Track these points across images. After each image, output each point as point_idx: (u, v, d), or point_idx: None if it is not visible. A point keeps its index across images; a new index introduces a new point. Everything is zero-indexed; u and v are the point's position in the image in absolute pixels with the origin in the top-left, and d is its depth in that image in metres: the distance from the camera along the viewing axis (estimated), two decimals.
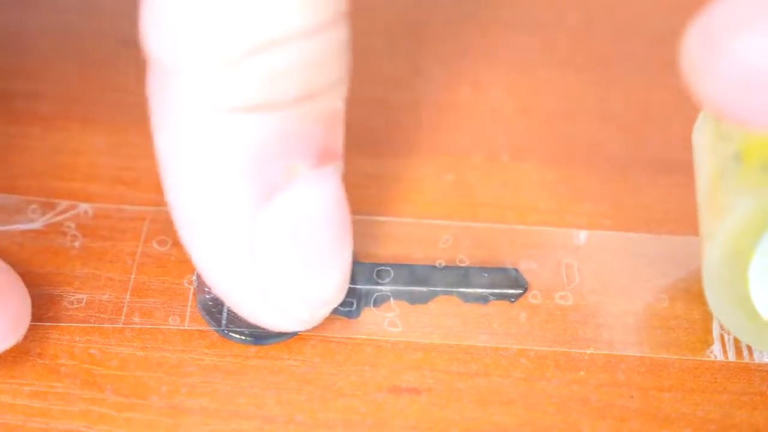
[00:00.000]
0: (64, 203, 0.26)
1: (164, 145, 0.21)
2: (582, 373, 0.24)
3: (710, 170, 0.22)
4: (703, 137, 0.23)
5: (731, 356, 0.24)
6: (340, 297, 0.23)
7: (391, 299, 0.25)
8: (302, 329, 0.23)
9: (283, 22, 0.19)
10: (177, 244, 0.25)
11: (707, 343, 0.24)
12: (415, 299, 0.25)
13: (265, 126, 0.20)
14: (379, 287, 0.25)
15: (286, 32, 0.19)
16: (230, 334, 0.24)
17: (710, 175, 0.22)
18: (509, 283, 0.25)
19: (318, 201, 0.21)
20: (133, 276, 0.25)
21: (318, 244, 0.21)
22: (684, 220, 0.24)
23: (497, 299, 0.25)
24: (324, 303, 0.22)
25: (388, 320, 0.24)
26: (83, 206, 0.26)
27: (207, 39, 0.19)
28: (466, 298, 0.25)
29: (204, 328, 0.24)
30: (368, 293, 0.25)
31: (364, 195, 0.27)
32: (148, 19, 0.20)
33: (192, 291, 0.25)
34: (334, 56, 0.20)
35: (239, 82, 0.19)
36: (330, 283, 0.22)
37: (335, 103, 0.20)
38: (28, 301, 0.23)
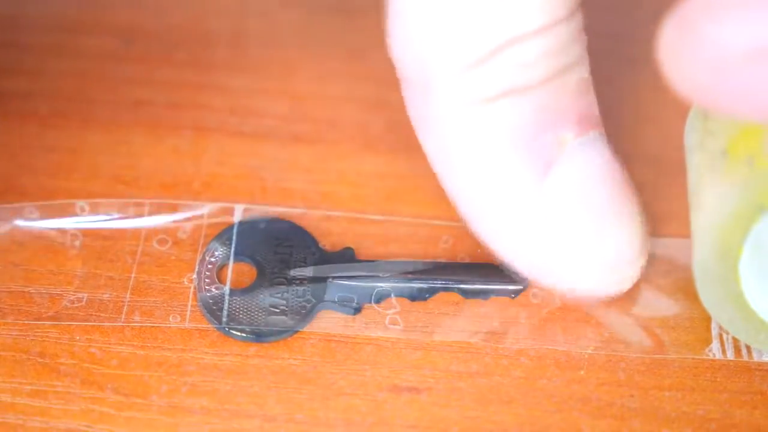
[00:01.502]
0: (63, 202, 0.26)
1: (438, 149, 0.23)
2: (582, 372, 0.24)
3: (699, 167, 0.22)
4: (692, 135, 0.23)
5: (730, 355, 0.24)
6: (638, 254, 0.23)
7: (392, 295, 0.25)
8: (615, 291, 0.23)
9: (523, 23, 0.21)
10: (177, 242, 0.25)
11: (707, 342, 0.24)
12: (415, 295, 0.25)
13: (522, 107, 0.22)
14: (379, 284, 0.25)
15: (526, 31, 0.21)
16: (231, 331, 0.24)
17: (699, 172, 0.22)
18: (510, 278, 0.24)
19: (589, 165, 0.22)
20: (133, 275, 0.25)
21: (598, 205, 0.23)
22: (684, 220, 0.24)
23: (498, 295, 0.25)
24: (625, 261, 0.23)
25: (389, 317, 0.24)
26: (83, 205, 0.26)
27: (455, 47, 0.21)
28: (467, 293, 0.25)
29: (204, 326, 0.24)
30: (369, 290, 0.25)
31: (364, 194, 0.27)
32: (397, 43, 0.22)
33: (192, 290, 0.25)
34: (573, 41, 0.22)
35: (489, 77, 0.21)
36: (622, 239, 0.23)
37: (581, 74, 0.22)
38: None
